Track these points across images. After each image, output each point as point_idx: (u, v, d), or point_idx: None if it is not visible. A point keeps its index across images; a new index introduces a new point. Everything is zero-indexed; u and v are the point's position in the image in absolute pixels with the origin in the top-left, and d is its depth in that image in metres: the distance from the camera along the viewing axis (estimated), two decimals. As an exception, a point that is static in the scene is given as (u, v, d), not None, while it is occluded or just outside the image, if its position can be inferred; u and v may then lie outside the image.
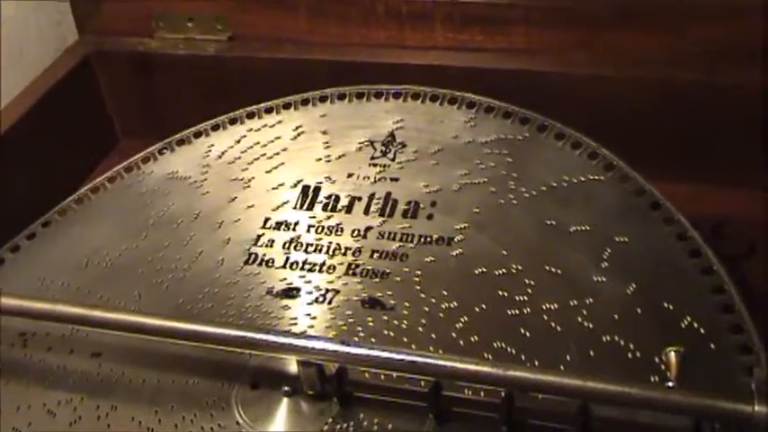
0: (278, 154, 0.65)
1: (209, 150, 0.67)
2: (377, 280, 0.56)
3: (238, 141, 0.67)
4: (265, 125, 0.68)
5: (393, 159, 0.63)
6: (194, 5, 0.79)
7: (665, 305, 0.52)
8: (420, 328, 0.53)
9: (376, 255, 0.57)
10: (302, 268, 0.57)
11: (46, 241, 0.62)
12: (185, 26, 0.79)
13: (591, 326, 0.51)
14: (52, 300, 0.54)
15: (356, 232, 0.59)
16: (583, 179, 0.60)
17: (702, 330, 0.50)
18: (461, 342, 0.51)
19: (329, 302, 0.55)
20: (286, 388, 0.50)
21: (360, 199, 0.61)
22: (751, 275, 0.58)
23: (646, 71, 0.68)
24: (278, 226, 0.60)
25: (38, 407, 0.52)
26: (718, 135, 0.67)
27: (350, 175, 0.63)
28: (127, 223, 0.62)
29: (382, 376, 0.50)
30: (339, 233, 0.59)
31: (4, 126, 0.73)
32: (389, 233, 0.59)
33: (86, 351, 0.54)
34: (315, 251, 0.58)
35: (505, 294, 0.54)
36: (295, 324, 0.54)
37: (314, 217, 0.61)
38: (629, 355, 0.50)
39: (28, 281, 0.59)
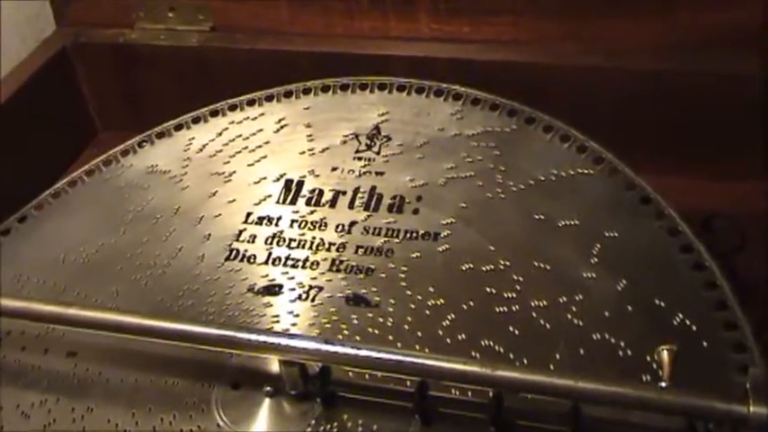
0: (260, 147, 0.64)
1: (190, 143, 0.65)
2: (361, 276, 0.55)
3: (220, 134, 0.66)
4: (247, 118, 0.67)
5: (378, 153, 0.62)
6: (175, -5, 0.77)
7: (657, 302, 0.51)
8: (406, 326, 0.52)
9: (360, 250, 0.56)
10: (285, 264, 0.56)
11: (21, 237, 0.61)
12: (166, 16, 0.78)
13: (581, 323, 0.50)
14: (27, 297, 0.53)
15: (340, 227, 0.58)
16: (572, 173, 0.59)
17: (694, 327, 0.49)
18: (448, 340, 0.51)
19: (312, 300, 0.54)
20: (268, 388, 0.49)
21: (344, 193, 0.60)
22: (743, 270, 0.57)
23: (635, 61, 0.67)
24: (260, 221, 0.59)
25: (11, 408, 0.51)
26: (709, 126, 0.66)
27: (334, 169, 0.62)
28: (105, 218, 0.61)
29: (367, 376, 0.49)
30: (323, 228, 0.58)
31: (-20, 119, 0.71)
32: (374, 228, 0.57)
33: (62, 350, 0.53)
34: (298, 247, 0.57)
35: (493, 291, 0.53)
36: (277, 322, 0.53)
37: (297, 212, 0.59)
38: (620, 353, 0.49)
39: (3, 278, 0.58)
